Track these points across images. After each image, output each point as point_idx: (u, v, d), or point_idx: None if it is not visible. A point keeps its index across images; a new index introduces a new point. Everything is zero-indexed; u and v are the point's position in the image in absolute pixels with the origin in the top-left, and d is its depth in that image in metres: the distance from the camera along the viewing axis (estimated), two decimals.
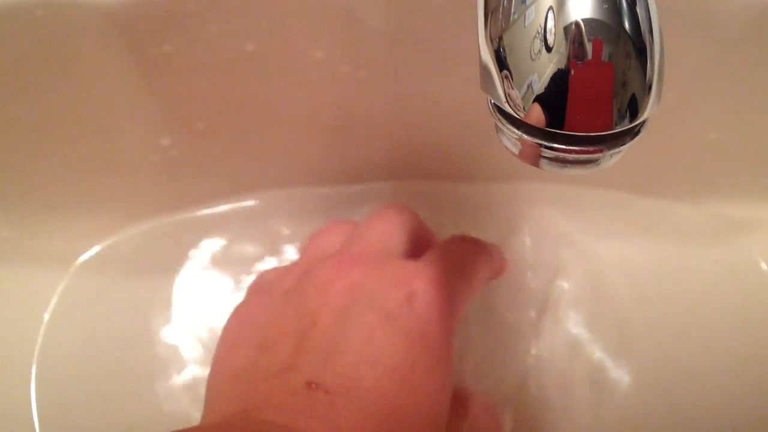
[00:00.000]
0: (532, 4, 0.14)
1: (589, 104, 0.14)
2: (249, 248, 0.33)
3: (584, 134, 0.15)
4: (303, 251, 0.28)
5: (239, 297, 0.31)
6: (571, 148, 0.15)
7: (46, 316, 0.31)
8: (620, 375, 0.29)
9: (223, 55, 0.26)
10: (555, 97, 0.14)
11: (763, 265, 0.32)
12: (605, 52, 0.14)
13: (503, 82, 0.15)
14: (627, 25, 0.14)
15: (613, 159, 0.16)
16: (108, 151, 0.29)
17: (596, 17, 0.14)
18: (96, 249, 0.33)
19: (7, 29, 0.24)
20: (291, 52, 0.26)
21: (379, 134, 0.31)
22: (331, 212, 0.33)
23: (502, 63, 0.15)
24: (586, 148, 0.15)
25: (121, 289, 0.32)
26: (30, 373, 0.29)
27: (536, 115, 0.15)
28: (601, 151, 0.15)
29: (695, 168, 0.31)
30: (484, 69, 0.16)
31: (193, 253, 0.33)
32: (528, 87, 0.14)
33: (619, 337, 0.30)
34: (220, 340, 0.24)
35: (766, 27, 0.25)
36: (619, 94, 0.14)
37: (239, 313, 0.25)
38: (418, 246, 0.27)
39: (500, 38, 0.15)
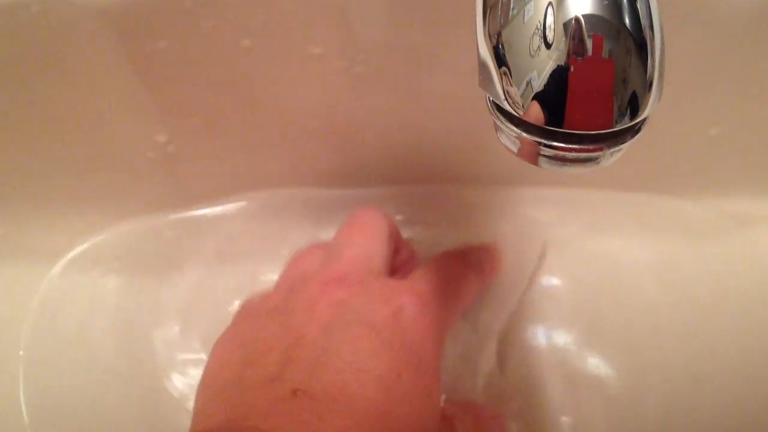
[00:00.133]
0: None
1: (589, 102, 0.14)
2: (243, 249, 0.33)
3: (584, 132, 0.14)
4: (284, 274, 0.28)
5: (232, 297, 0.31)
6: (570, 146, 0.15)
7: (33, 313, 0.31)
8: (622, 376, 0.29)
9: (219, 52, 0.26)
10: (554, 95, 0.14)
11: None
12: (605, 48, 0.14)
13: (502, 79, 0.15)
14: (627, 21, 0.14)
15: (614, 157, 0.15)
16: (102, 148, 0.29)
17: (596, 13, 0.14)
18: (84, 246, 0.32)
19: (1, 25, 0.23)
20: (288, 48, 0.26)
21: (378, 134, 0.31)
22: (327, 214, 0.33)
23: (500, 60, 0.15)
24: (586, 147, 0.15)
25: (110, 287, 0.32)
26: (17, 369, 0.29)
27: (535, 113, 0.14)
28: (601, 149, 0.15)
29: (697, 164, 0.31)
30: (483, 66, 0.15)
31: (185, 252, 0.33)
32: (527, 84, 0.14)
33: (621, 337, 0.30)
34: (209, 358, 0.24)
35: (767, 22, 0.24)
36: (619, 92, 0.14)
37: (227, 334, 0.25)
38: (396, 250, 0.27)
39: (499, 34, 0.15)
